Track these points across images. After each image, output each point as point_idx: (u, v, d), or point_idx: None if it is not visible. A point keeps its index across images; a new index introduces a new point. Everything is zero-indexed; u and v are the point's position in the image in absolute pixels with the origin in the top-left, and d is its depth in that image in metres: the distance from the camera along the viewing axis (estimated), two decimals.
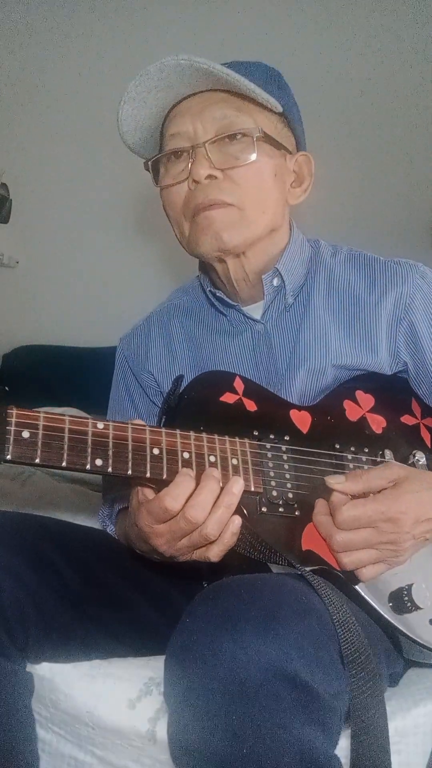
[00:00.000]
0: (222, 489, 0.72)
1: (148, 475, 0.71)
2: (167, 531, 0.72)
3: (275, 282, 0.93)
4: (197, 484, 0.71)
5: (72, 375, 2.16)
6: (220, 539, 0.72)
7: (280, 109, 0.87)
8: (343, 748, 0.66)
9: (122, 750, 0.78)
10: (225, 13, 2.10)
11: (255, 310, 0.96)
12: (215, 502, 0.71)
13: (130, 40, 2.15)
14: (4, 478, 1.55)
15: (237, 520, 0.72)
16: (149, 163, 0.91)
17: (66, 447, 0.67)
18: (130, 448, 0.71)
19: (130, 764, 0.78)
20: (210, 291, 0.96)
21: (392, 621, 0.75)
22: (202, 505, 0.70)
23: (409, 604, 0.74)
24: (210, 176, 0.84)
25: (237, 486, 0.73)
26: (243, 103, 0.86)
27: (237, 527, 0.72)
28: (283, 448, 0.82)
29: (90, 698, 0.80)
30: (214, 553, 0.73)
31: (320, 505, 0.78)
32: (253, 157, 0.85)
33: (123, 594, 0.89)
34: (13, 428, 0.65)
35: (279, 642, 0.58)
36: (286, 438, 0.84)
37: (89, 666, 0.83)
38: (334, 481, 0.77)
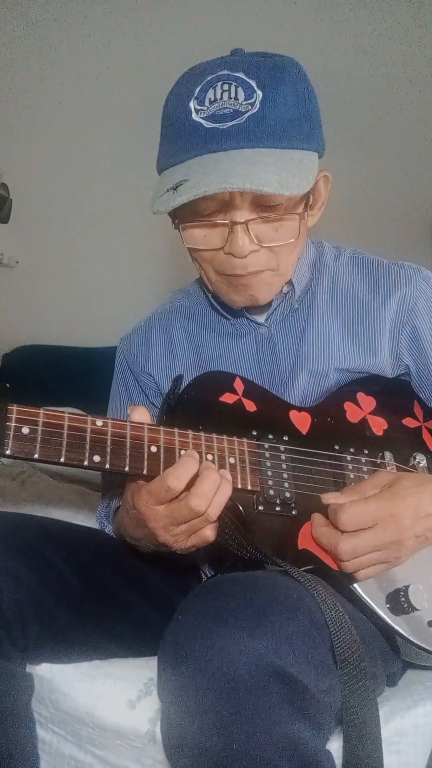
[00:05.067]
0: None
1: (144, 472, 0.72)
2: (166, 515, 0.72)
3: (284, 289, 0.93)
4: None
5: (72, 375, 2.16)
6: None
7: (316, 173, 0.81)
8: (338, 749, 0.66)
9: (122, 750, 0.79)
10: (225, 9, 2.09)
11: (259, 314, 0.96)
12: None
13: (131, 40, 2.15)
14: (4, 477, 1.55)
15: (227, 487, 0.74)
16: (177, 222, 0.84)
17: (65, 443, 0.68)
18: (128, 445, 0.71)
19: (130, 764, 0.78)
20: (213, 297, 0.96)
21: (390, 622, 0.75)
22: (206, 495, 0.70)
23: (406, 606, 0.74)
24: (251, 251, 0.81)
25: (228, 474, 0.75)
26: None
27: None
28: (282, 448, 0.82)
29: (90, 698, 0.80)
30: (210, 534, 0.75)
31: (318, 518, 0.77)
32: (295, 235, 0.83)
33: (123, 594, 0.89)
34: (13, 424, 0.66)
35: (268, 638, 0.59)
36: (285, 438, 0.84)
37: (89, 666, 0.84)
38: (330, 497, 0.77)
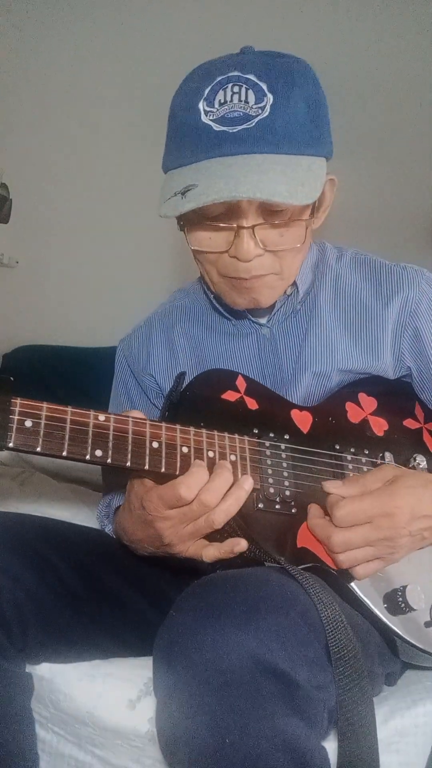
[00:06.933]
0: (234, 483, 0.74)
1: (146, 467, 0.72)
2: (177, 515, 0.73)
3: (288, 290, 0.93)
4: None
5: (72, 375, 2.16)
6: (220, 546, 0.74)
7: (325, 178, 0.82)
8: (335, 749, 0.66)
9: (122, 750, 0.79)
10: (228, 7, 2.08)
11: (261, 315, 0.96)
12: (227, 492, 0.73)
13: (132, 39, 2.14)
14: (4, 478, 1.55)
15: (243, 543, 0.74)
16: (182, 224, 0.84)
17: (67, 437, 0.68)
18: (129, 440, 0.72)
19: (130, 764, 0.78)
20: (215, 298, 0.96)
21: (387, 622, 0.75)
22: (216, 491, 0.71)
23: (403, 605, 0.74)
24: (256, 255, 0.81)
25: (248, 483, 0.75)
26: None
27: (242, 548, 0.74)
28: (283, 446, 0.83)
29: (90, 698, 0.80)
30: (209, 554, 0.75)
31: (314, 508, 0.78)
32: (301, 241, 0.82)
33: (122, 594, 0.89)
34: (16, 417, 0.67)
35: (259, 634, 0.59)
36: (286, 437, 0.84)
37: (89, 666, 0.84)
38: (332, 485, 0.78)
